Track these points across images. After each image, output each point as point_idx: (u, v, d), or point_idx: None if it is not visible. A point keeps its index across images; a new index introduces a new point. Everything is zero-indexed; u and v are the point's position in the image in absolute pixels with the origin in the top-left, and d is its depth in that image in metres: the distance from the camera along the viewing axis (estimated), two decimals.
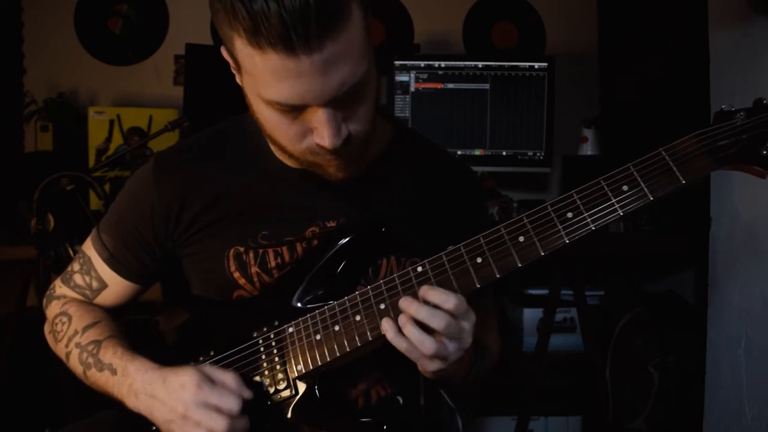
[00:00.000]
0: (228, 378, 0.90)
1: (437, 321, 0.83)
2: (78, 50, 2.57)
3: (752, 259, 1.70)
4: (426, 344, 0.83)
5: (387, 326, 0.86)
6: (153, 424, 0.99)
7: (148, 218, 1.03)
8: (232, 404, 0.86)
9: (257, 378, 0.95)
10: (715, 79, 1.80)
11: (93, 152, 2.27)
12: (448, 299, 0.84)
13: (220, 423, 0.86)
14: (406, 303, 0.85)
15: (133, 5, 2.59)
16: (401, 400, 0.97)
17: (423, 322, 0.84)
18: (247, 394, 0.89)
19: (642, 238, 2.11)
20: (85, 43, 2.58)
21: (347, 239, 0.96)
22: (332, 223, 1.01)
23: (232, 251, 1.01)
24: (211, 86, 2.30)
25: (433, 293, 0.85)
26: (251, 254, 1.00)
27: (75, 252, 1.69)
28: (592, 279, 2.25)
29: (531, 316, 2.21)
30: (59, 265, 1.67)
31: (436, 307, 0.84)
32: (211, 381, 0.88)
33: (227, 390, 0.88)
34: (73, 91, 2.52)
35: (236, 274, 1.01)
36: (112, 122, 2.28)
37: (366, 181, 1.03)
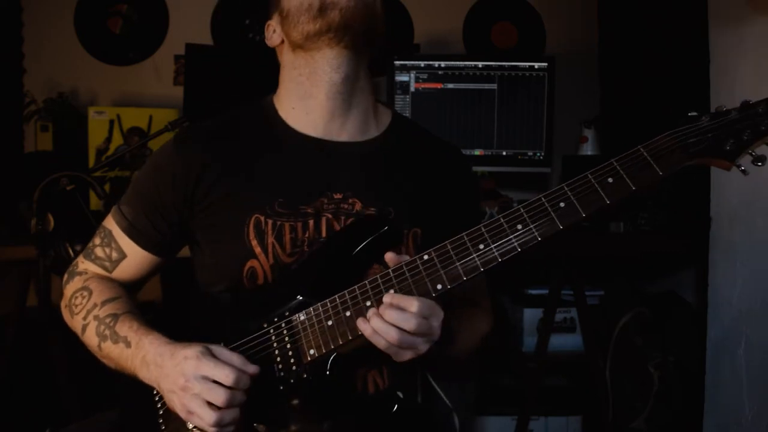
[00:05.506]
0: (233, 356, 0.93)
1: (405, 322, 0.91)
2: (78, 50, 2.57)
3: (752, 260, 1.70)
4: (390, 333, 0.91)
5: (363, 325, 0.93)
6: (159, 426, 1.01)
7: (169, 183, 1.09)
8: (229, 377, 0.89)
9: (269, 364, 0.97)
10: (715, 79, 1.80)
11: (93, 152, 2.26)
12: (411, 304, 0.91)
13: (218, 395, 0.89)
14: (376, 308, 0.93)
15: (133, 5, 2.59)
16: (401, 395, 0.98)
17: (395, 325, 0.91)
18: (252, 369, 0.92)
19: (642, 238, 2.11)
20: (85, 43, 2.58)
21: (358, 247, 0.99)
22: (338, 195, 1.08)
23: (252, 219, 1.06)
24: (211, 86, 2.31)
25: (397, 299, 0.92)
26: (270, 224, 1.06)
27: (75, 252, 1.70)
28: (592, 279, 2.25)
29: (531, 316, 2.21)
30: (59, 265, 1.67)
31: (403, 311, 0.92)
32: (212, 355, 0.91)
33: (226, 364, 0.90)
34: (73, 91, 2.52)
35: (254, 242, 1.05)
36: (112, 122, 2.28)
37: (369, 156, 1.12)
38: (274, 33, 1.12)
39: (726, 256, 1.80)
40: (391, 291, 0.94)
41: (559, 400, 2.32)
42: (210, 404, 0.89)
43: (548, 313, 2.09)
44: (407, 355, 0.94)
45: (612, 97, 2.65)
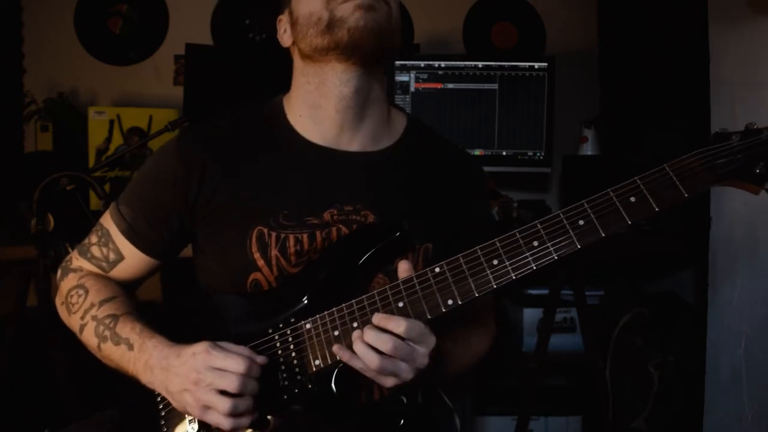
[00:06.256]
0: (240, 347, 0.93)
1: (382, 343, 0.89)
2: (78, 50, 2.57)
3: (752, 259, 1.70)
4: (370, 358, 0.89)
5: (338, 349, 0.92)
6: (161, 427, 1.00)
7: (169, 186, 1.06)
8: (239, 365, 0.89)
9: (273, 372, 0.96)
10: (715, 79, 1.80)
11: (93, 152, 2.26)
12: (399, 325, 0.89)
13: (231, 381, 0.88)
14: (361, 331, 0.91)
15: (133, 5, 2.59)
16: (405, 400, 0.97)
17: (372, 345, 0.89)
18: (261, 359, 0.92)
19: (642, 238, 2.11)
20: (85, 43, 2.58)
21: (369, 251, 0.98)
22: (349, 207, 1.04)
23: (255, 231, 1.03)
24: (211, 86, 2.31)
25: (385, 321, 0.90)
26: (273, 237, 1.02)
27: None
28: (592, 279, 2.25)
29: (531, 316, 2.21)
30: (59, 265, 1.67)
31: (388, 332, 0.90)
32: (220, 347, 0.91)
33: (234, 353, 0.90)
34: (73, 91, 2.52)
35: (256, 255, 1.02)
36: (112, 122, 2.28)
37: (382, 167, 1.08)
38: (285, 32, 1.08)
39: (726, 256, 1.80)
40: (378, 313, 0.91)
41: (559, 400, 2.32)
42: (223, 394, 0.89)
43: (548, 313, 2.09)
44: (389, 382, 0.91)
45: (612, 97, 2.65)
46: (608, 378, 2.19)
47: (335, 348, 0.92)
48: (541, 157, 2.39)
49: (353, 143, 1.08)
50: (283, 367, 0.96)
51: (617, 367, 2.20)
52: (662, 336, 2.19)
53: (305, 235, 1.03)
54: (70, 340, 1.10)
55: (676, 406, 2.14)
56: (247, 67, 2.33)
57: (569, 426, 2.28)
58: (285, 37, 1.08)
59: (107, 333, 1.02)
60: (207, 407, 0.90)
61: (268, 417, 0.95)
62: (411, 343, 0.90)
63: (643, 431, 2.16)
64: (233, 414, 0.89)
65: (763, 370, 1.66)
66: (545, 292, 2.14)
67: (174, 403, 0.94)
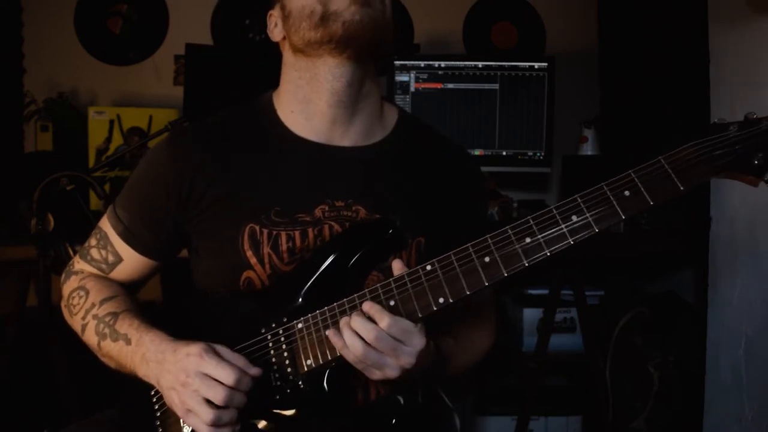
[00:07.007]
0: (236, 356, 0.92)
1: (366, 332, 0.88)
2: (78, 50, 2.57)
3: (752, 259, 1.70)
4: (355, 345, 0.89)
5: (332, 335, 0.92)
6: (156, 428, 1.00)
7: (162, 188, 1.06)
8: (229, 377, 0.88)
9: (265, 372, 0.95)
10: (715, 79, 1.80)
11: (93, 152, 2.26)
12: (381, 319, 0.88)
13: (217, 393, 0.88)
14: (349, 317, 0.91)
15: (133, 5, 2.60)
16: (402, 400, 0.97)
17: (357, 332, 0.89)
18: (254, 371, 0.91)
19: (642, 238, 2.11)
20: (85, 43, 2.58)
21: (361, 250, 0.97)
22: (340, 203, 1.04)
23: (247, 228, 1.02)
24: (211, 86, 2.31)
25: (372, 310, 0.90)
26: (265, 234, 1.02)
27: (75, 252, 1.70)
28: (592, 279, 2.25)
29: (531, 316, 2.21)
30: (59, 265, 1.67)
31: (372, 321, 0.89)
32: (215, 353, 0.90)
33: (227, 363, 0.89)
34: (73, 91, 2.52)
35: (249, 253, 1.02)
36: (112, 122, 2.28)
37: (373, 161, 1.08)
38: (275, 27, 1.07)
39: (726, 256, 1.80)
40: (369, 301, 0.91)
41: (559, 400, 2.32)
42: (209, 403, 0.88)
43: (548, 313, 2.09)
44: (376, 375, 0.91)
45: (612, 97, 2.65)
46: (608, 378, 2.19)
47: (330, 332, 0.92)
48: (541, 157, 2.39)
49: (345, 138, 1.07)
50: (275, 368, 0.96)
51: (617, 367, 2.20)
52: (662, 336, 2.19)
53: (297, 233, 1.03)
54: (70, 340, 1.11)
55: (676, 406, 2.14)
56: (247, 67, 2.33)
57: (569, 426, 2.28)
58: (276, 32, 1.07)
59: (107, 330, 1.02)
60: (190, 411, 0.89)
61: (255, 423, 0.94)
62: (395, 340, 0.89)
63: (643, 431, 2.16)
64: (215, 424, 0.88)
65: (763, 370, 1.66)
66: (545, 292, 2.14)
67: (164, 398, 0.95)
